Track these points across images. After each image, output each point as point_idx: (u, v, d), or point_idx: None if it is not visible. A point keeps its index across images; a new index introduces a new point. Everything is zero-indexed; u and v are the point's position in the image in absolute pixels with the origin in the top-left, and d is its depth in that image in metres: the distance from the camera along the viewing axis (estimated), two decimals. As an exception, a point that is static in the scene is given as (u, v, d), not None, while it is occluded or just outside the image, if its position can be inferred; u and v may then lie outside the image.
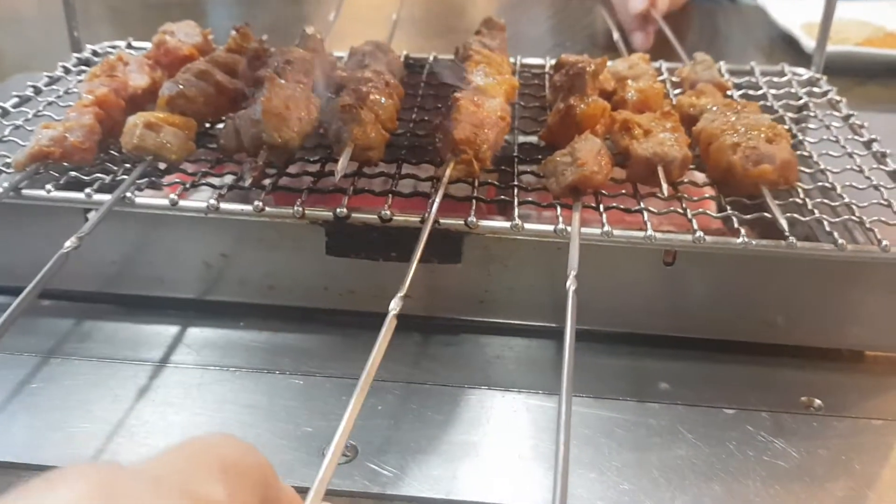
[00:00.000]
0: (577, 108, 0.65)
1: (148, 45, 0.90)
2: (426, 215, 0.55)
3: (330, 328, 0.62)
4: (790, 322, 0.59)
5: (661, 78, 0.84)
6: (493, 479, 0.49)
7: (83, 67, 0.85)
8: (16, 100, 0.75)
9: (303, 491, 0.47)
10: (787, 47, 1.29)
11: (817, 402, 0.56)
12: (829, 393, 0.57)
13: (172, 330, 0.62)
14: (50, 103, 0.75)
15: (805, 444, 0.52)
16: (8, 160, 0.63)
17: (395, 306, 0.45)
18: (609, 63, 0.81)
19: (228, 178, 0.63)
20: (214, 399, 0.55)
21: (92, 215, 0.59)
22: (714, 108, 0.68)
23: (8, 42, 1.40)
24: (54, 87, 0.80)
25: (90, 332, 0.61)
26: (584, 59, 0.76)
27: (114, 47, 0.91)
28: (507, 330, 0.61)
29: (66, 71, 0.84)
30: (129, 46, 0.91)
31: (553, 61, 0.89)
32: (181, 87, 0.69)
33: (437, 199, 0.55)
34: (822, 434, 0.53)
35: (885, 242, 0.55)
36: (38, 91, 0.78)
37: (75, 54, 0.88)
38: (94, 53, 0.89)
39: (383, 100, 0.68)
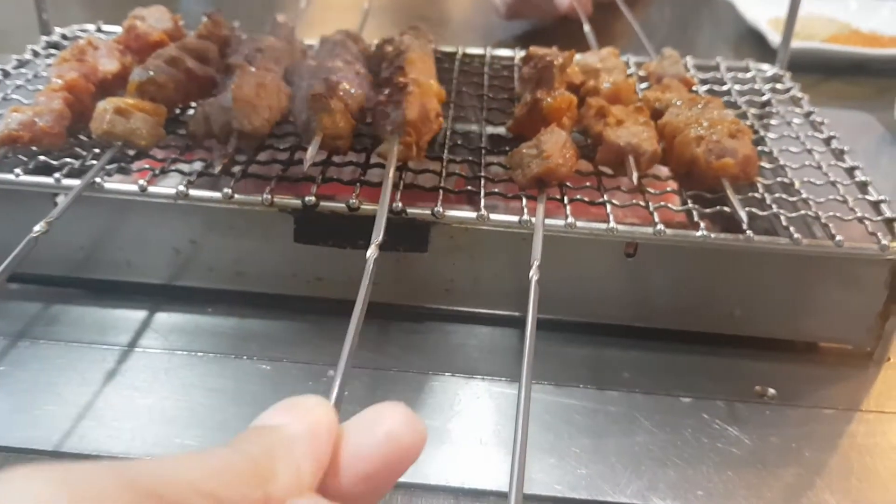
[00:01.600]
0: (543, 101, 0.66)
1: (118, 29, 0.90)
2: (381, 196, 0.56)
3: (297, 315, 0.63)
4: (747, 313, 0.61)
5: (628, 72, 0.85)
6: (455, 463, 0.50)
7: (52, 51, 0.85)
8: (-17, 82, 0.75)
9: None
10: (754, 42, 1.31)
11: (771, 391, 0.57)
12: (783, 382, 0.58)
13: (140, 315, 0.62)
14: (19, 87, 0.75)
15: (758, 432, 0.54)
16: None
17: (372, 253, 0.47)
18: (579, 56, 0.82)
19: (198, 165, 0.63)
20: (181, 383, 0.56)
21: (61, 200, 0.59)
22: (679, 103, 0.70)
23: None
24: (23, 70, 0.80)
25: (58, 316, 0.61)
26: (553, 51, 0.77)
27: (83, 31, 0.90)
28: (471, 318, 0.62)
29: (35, 54, 0.84)
30: (99, 30, 0.91)
31: (522, 53, 0.90)
32: (151, 73, 0.69)
33: (391, 179, 0.56)
34: (775, 422, 0.55)
35: (839, 238, 0.57)
36: (6, 74, 0.78)
37: (44, 37, 0.88)
38: (64, 37, 0.89)
39: (353, 90, 0.69)
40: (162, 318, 0.62)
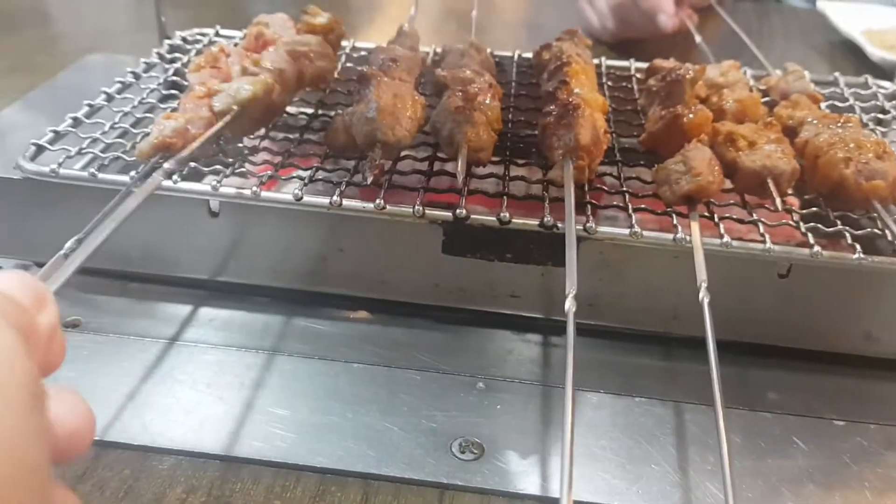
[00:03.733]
0: (684, 118, 0.66)
1: (234, 33, 0.91)
2: (564, 219, 0.57)
3: (440, 325, 0.63)
4: (892, 336, 0.60)
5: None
6: (616, 481, 0.51)
7: (176, 54, 0.86)
8: (118, 85, 0.77)
9: (434, 486, 0.49)
10: (846, 53, 1.30)
11: (922, 415, 0.57)
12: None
13: (281, 320, 0.63)
14: (152, 90, 0.76)
15: (916, 458, 0.53)
16: (121, 144, 0.65)
17: (570, 306, 0.47)
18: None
19: (341, 174, 0.64)
20: (330, 389, 0.57)
21: (214, 204, 0.60)
22: (814, 122, 0.69)
23: (71, 23, 1.41)
24: (152, 73, 0.81)
25: (208, 319, 0.63)
26: (681, 65, 0.77)
27: (203, 34, 0.92)
28: (615, 335, 0.62)
29: (161, 57, 0.85)
30: (217, 34, 0.92)
31: (637, 64, 0.90)
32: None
33: (573, 203, 0.56)
34: (931, 447, 0.55)
35: None
36: (136, 76, 0.79)
37: (167, 41, 0.89)
38: (184, 40, 0.90)
39: (489, 101, 0.69)
40: (303, 323, 0.63)
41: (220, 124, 0.62)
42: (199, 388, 0.56)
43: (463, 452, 0.52)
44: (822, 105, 0.81)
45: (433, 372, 0.59)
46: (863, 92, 0.85)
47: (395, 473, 0.50)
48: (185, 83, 0.78)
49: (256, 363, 0.59)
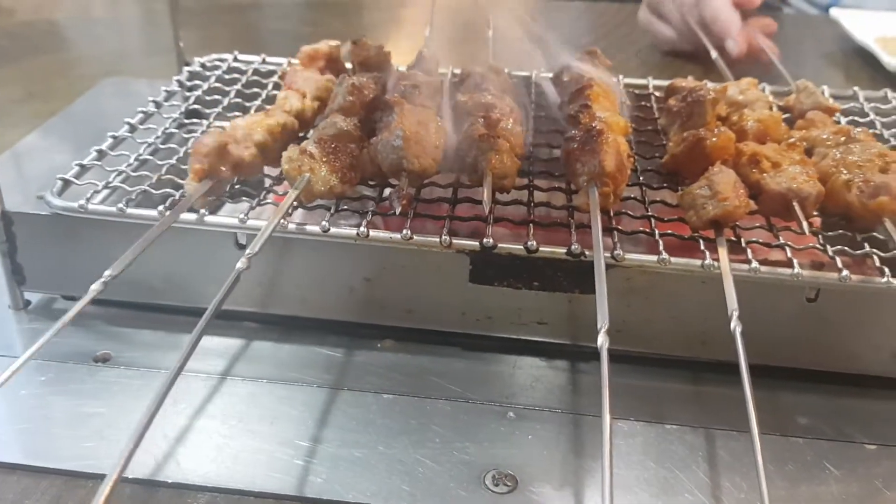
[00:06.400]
0: (707, 141, 0.66)
1: (253, 57, 0.92)
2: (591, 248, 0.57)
3: (467, 352, 0.64)
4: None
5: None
6: None
7: (196, 81, 0.87)
8: (141, 115, 0.77)
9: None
10: (861, 62, 1.30)
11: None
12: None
13: (308, 350, 0.64)
14: (174, 120, 0.77)
15: (950, 483, 0.53)
16: (147, 177, 0.66)
17: (603, 341, 0.47)
18: (712, 84, 0.82)
19: (367, 204, 0.64)
20: (361, 421, 0.57)
21: (241, 236, 0.61)
22: (826, 139, 0.69)
23: (86, 46, 1.42)
24: (174, 102, 0.82)
25: (235, 351, 0.63)
26: (701, 84, 0.77)
27: (222, 60, 0.92)
28: (643, 360, 0.63)
29: (181, 84, 0.86)
30: (236, 59, 0.93)
31: (655, 82, 0.90)
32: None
33: (600, 233, 0.56)
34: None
35: None
36: (158, 105, 0.80)
37: (186, 68, 0.90)
38: (203, 66, 0.91)
39: (510, 125, 0.69)
40: (331, 353, 0.63)
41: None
42: (231, 422, 0.56)
43: (496, 485, 0.52)
44: (843, 121, 0.81)
45: (462, 401, 0.59)
46: (882, 106, 0.85)
47: (429, 508, 0.51)
48: (207, 111, 0.79)
49: (285, 395, 0.59)
